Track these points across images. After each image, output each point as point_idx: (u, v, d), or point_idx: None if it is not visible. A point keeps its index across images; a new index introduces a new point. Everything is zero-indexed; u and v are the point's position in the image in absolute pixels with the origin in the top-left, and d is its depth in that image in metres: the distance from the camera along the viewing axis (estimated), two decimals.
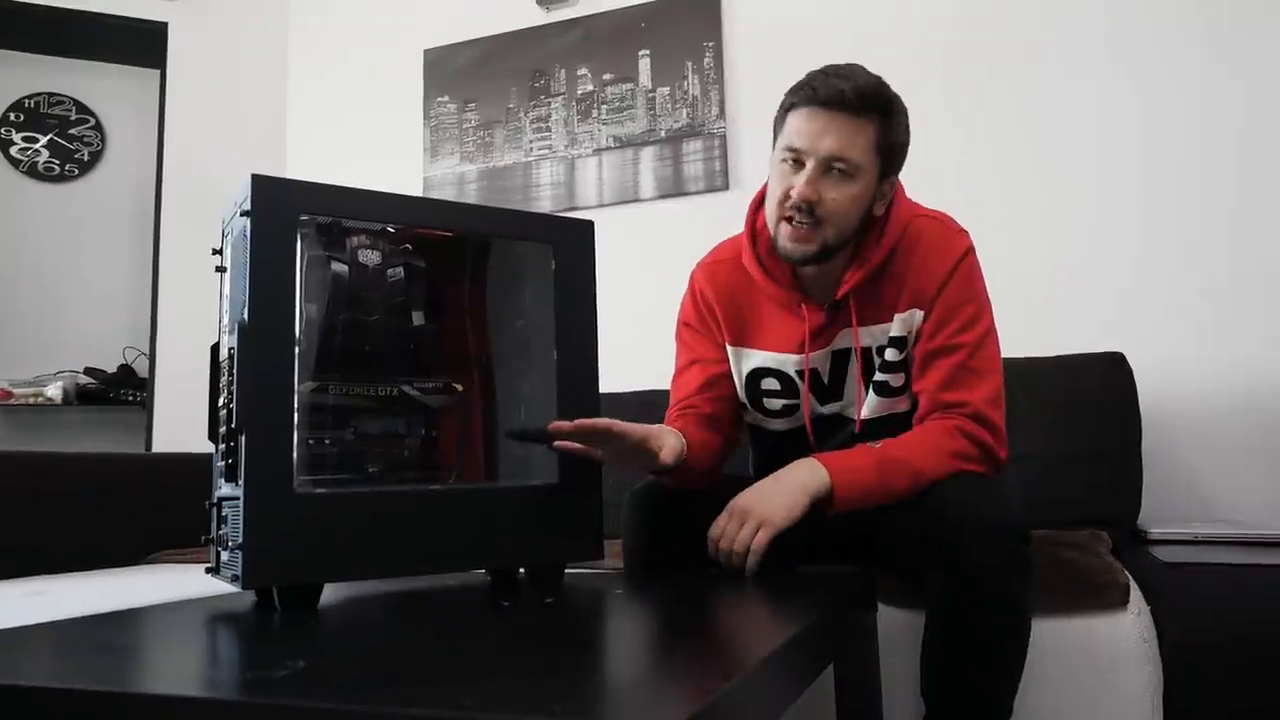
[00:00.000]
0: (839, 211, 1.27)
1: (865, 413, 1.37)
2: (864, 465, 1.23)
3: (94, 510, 2.19)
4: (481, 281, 1.30)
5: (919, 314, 1.33)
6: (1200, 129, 2.16)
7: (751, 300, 1.43)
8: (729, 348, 1.45)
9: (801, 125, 1.27)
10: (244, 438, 0.99)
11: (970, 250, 1.34)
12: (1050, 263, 2.24)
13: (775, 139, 1.33)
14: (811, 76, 1.28)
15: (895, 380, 1.36)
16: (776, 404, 1.43)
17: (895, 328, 1.34)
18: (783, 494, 1.22)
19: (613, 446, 1.18)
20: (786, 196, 1.28)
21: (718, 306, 1.45)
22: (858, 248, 1.35)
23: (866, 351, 1.36)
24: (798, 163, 1.28)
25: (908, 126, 1.33)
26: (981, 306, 1.33)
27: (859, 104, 1.25)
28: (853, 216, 1.29)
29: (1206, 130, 2.15)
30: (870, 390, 1.37)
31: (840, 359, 1.38)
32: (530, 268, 1.27)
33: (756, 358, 1.43)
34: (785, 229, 1.30)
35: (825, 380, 1.40)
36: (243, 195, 1.04)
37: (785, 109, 1.31)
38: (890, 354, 1.35)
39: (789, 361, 1.40)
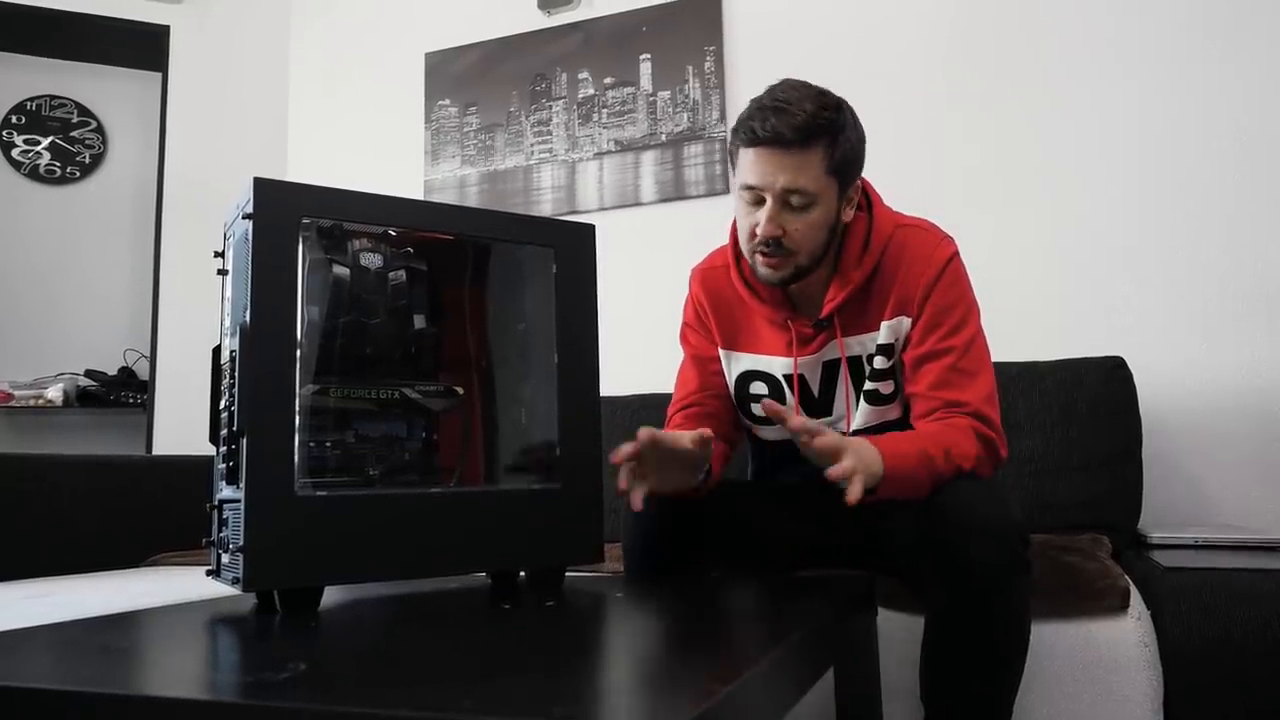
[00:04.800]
0: (806, 239, 1.30)
1: (858, 422, 1.37)
2: (909, 453, 1.20)
3: (95, 512, 2.19)
4: (482, 285, 1.30)
5: (906, 321, 1.33)
6: (1202, 132, 2.16)
7: (742, 307, 1.44)
8: (721, 351, 1.46)
9: (752, 164, 1.28)
10: (245, 440, 0.99)
11: (955, 255, 1.34)
12: (1051, 267, 2.24)
13: (733, 169, 1.34)
14: (751, 114, 1.28)
15: (885, 388, 1.36)
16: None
17: (882, 335, 1.34)
18: (861, 452, 1.16)
19: (660, 460, 1.21)
20: (753, 234, 1.30)
21: (710, 312, 1.47)
22: (838, 264, 1.36)
23: (856, 360, 1.37)
24: (758, 200, 1.29)
25: (858, 131, 1.32)
26: (969, 309, 1.34)
27: (803, 137, 1.25)
28: (819, 239, 1.31)
29: (1208, 134, 2.16)
30: (861, 399, 1.37)
31: (830, 370, 1.39)
32: (531, 271, 1.27)
33: (746, 360, 1.44)
34: (759, 259, 1.32)
35: (815, 393, 1.40)
36: (245, 198, 1.05)
37: (735, 145, 1.32)
38: (879, 361, 1.35)
39: (777, 364, 1.41)
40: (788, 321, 1.38)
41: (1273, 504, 2.02)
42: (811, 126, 1.25)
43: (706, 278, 1.48)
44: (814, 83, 1.31)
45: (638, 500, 1.20)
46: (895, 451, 1.20)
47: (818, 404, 1.40)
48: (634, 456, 1.19)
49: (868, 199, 1.39)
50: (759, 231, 1.29)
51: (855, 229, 1.36)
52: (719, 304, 1.46)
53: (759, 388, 1.43)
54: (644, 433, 1.18)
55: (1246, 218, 2.11)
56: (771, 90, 1.30)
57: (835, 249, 1.36)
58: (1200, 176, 2.15)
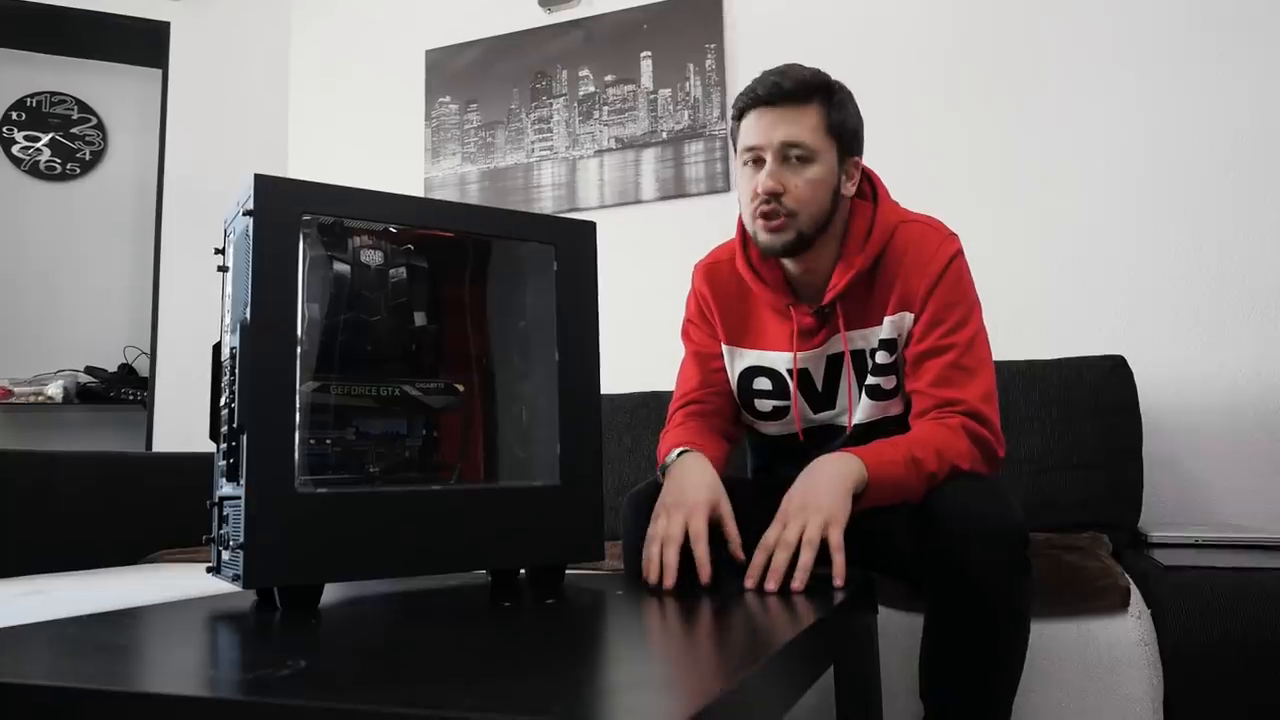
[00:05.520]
0: (806, 196, 1.30)
1: (859, 416, 1.37)
2: (895, 460, 1.20)
3: (95, 509, 2.19)
4: (483, 282, 1.30)
5: (909, 316, 1.33)
6: (1204, 132, 2.16)
7: (746, 302, 1.44)
8: (724, 347, 1.46)
9: (752, 125, 1.32)
10: (246, 437, 0.99)
11: (958, 253, 1.34)
12: (1052, 265, 2.24)
13: (735, 152, 1.37)
14: (751, 83, 1.33)
15: (887, 383, 1.36)
16: (767, 405, 1.44)
17: (885, 330, 1.34)
18: (829, 489, 1.15)
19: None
20: (755, 195, 1.32)
21: (714, 307, 1.46)
22: (843, 251, 1.36)
23: (859, 355, 1.37)
24: (758, 161, 1.32)
25: (856, 108, 1.36)
26: (971, 307, 1.34)
27: (800, 92, 1.30)
28: (820, 198, 1.32)
29: (1209, 133, 2.16)
30: (863, 394, 1.37)
31: (833, 364, 1.39)
32: (532, 269, 1.27)
33: (749, 356, 1.44)
34: (761, 224, 1.33)
35: (818, 387, 1.40)
36: (245, 195, 1.05)
37: (735, 119, 1.36)
38: (881, 356, 1.35)
39: (780, 360, 1.41)
40: (790, 309, 1.38)
41: (1273, 504, 2.02)
42: (810, 83, 1.31)
43: (710, 272, 1.48)
44: None
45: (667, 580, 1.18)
46: (880, 459, 1.20)
47: (821, 398, 1.40)
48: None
49: (874, 190, 1.39)
50: (759, 188, 1.30)
51: (860, 215, 1.37)
52: (722, 299, 1.46)
53: (763, 383, 1.43)
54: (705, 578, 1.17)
55: (1246, 217, 2.11)
56: (768, 69, 1.34)
57: (840, 231, 1.36)
58: (1201, 175, 2.15)
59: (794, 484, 1.20)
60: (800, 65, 1.34)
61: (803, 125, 1.29)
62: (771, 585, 1.09)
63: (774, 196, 1.30)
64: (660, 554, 1.16)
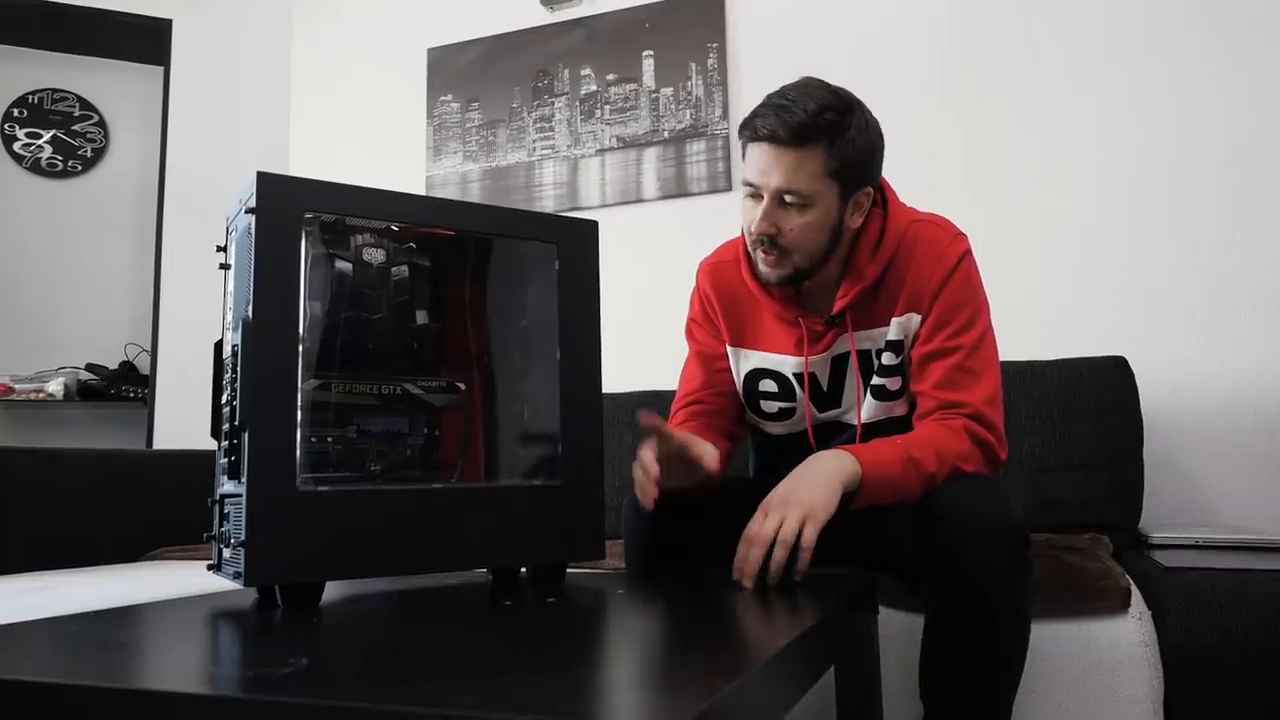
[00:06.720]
0: (800, 240, 1.28)
1: (865, 416, 1.37)
2: (892, 459, 1.20)
3: (95, 507, 2.19)
4: (484, 280, 1.30)
5: (916, 318, 1.33)
6: (1203, 131, 2.16)
7: (751, 303, 1.43)
8: (729, 348, 1.46)
9: (752, 160, 1.28)
10: (247, 435, 0.99)
11: (967, 253, 1.33)
12: (1052, 266, 2.24)
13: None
14: (758, 110, 1.27)
15: (892, 384, 1.36)
16: (773, 406, 1.43)
17: (892, 331, 1.34)
18: (818, 485, 1.15)
19: (663, 450, 1.21)
20: (751, 230, 1.31)
21: (719, 307, 1.46)
22: (851, 262, 1.35)
23: (865, 355, 1.36)
24: (756, 196, 1.29)
25: (869, 136, 1.28)
26: (978, 308, 1.33)
27: (798, 137, 1.23)
28: (816, 241, 1.30)
29: (1209, 133, 2.15)
30: (868, 394, 1.37)
31: (839, 365, 1.38)
32: (534, 267, 1.27)
33: (754, 358, 1.44)
34: (759, 255, 1.33)
35: (824, 387, 1.40)
36: (248, 193, 1.05)
37: (741, 140, 1.31)
38: (887, 357, 1.35)
39: (787, 363, 1.40)
40: (798, 319, 1.38)
41: (1273, 505, 2.02)
42: (809, 128, 1.23)
43: (715, 272, 1.47)
44: (828, 81, 1.29)
45: (650, 500, 1.21)
46: (876, 458, 1.20)
47: (826, 398, 1.40)
48: (653, 430, 1.20)
49: (883, 196, 1.37)
50: (753, 228, 1.29)
51: (869, 228, 1.35)
52: (727, 300, 1.45)
53: (768, 385, 1.43)
54: (649, 420, 1.19)
55: (1246, 216, 2.11)
56: (784, 88, 1.28)
57: (846, 249, 1.35)
58: (1200, 175, 2.15)
59: (786, 476, 1.20)
60: (808, 95, 1.24)
61: (800, 172, 1.24)
62: (746, 582, 1.11)
63: (768, 238, 1.29)
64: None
